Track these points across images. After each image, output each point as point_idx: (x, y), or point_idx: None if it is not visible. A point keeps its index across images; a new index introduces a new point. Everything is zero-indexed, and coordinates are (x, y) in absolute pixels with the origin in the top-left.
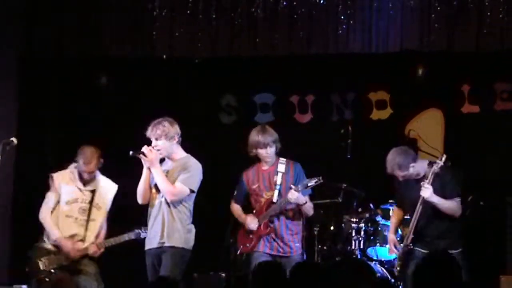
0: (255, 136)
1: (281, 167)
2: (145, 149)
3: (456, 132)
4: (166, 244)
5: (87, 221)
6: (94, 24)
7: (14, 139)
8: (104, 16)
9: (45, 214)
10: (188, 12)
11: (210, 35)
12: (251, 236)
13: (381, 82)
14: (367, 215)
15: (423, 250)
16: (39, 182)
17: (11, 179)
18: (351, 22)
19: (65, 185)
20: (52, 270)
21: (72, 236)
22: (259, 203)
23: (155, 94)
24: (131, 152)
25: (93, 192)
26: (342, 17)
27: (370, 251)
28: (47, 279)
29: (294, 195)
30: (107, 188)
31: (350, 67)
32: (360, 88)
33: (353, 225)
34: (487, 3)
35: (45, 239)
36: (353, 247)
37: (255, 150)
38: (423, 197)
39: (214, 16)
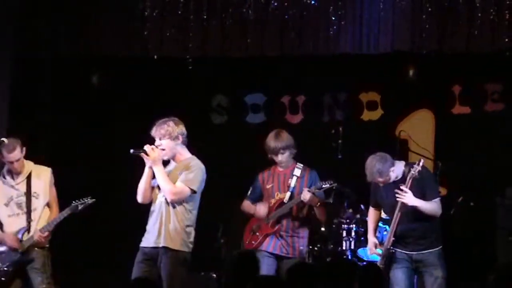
0: (268, 141)
1: (297, 171)
2: (147, 147)
3: (447, 133)
4: (161, 245)
5: (28, 212)
6: (86, 25)
7: (5, 139)
8: (96, 17)
9: None
10: (179, 12)
11: (201, 35)
12: (257, 234)
13: (372, 83)
14: (358, 216)
15: (405, 252)
16: None
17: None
18: (342, 23)
19: (0, 189)
20: (5, 268)
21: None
22: (269, 203)
23: (146, 94)
24: (131, 150)
25: (28, 181)
26: (333, 18)
27: (360, 252)
28: (3, 279)
29: (307, 196)
30: (40, 173)
31: (341, 68)
32: (351, 89)
33: (344, 226)
34: (478, 4)
35: None
36: (343, 247)
37: (269, 155)
38: (403, 202)
39: (205, 16)
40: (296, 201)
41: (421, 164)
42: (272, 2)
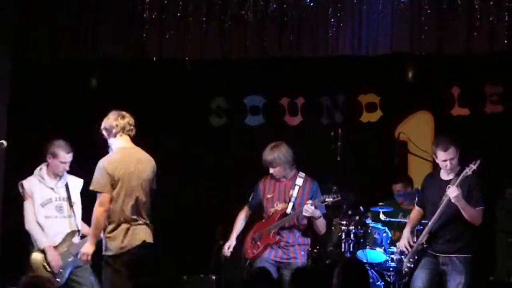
0: (263, 153)
1: (299, 181)
2: None
3: (446, 135)
4: None
5: (70, 217)
6: (85, 26)
7: (4, 142)
8: (95, 19)
9: (31, 224)
10: (178, 14)
11: (200, 37)
12: (258, 243)
13: (371, 84)
14: (357, 217)
15: (434, 252)
16: None
17: (1, 182)
18: (341, 24)
19: (36, 189)
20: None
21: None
22: (270, 213)
23: (145, 96)
24: None
25: (66, 187)
26: (332, 20)
27: (360, 253)
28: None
29: (310, 209)
30: (75, 183)
31: (340, 70)
32: (350, 91)
33: (343, 227)
34: (477, 6)
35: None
36: (343, 249)
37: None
38: (449, 198)
39: (204, 18)
40: (298, 213)
41: (477, 164)
42: (271, 4)
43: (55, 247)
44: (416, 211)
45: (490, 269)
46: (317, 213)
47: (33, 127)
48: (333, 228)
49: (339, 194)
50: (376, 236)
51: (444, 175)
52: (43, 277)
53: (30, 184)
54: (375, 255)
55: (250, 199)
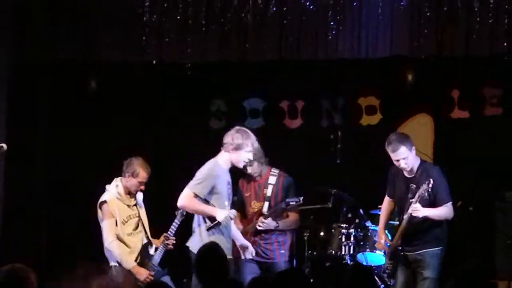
0: None
1: (272, 179)
2: None
3: (446, 138)
4: None
5: (139, 232)
6: (85, 29)
7: (4, 145)
8: (95, 21)
9: (112, 244)
10: (178, 17)
11: (200, 40)
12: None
13: (371, 87)
14: (357, 220)
15: (406, 253)
16: (30, 188)
17: (1, 185)
18: (341, 27)
19: (116, 207)
20: None
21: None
22: (250, 212)
23: (145, 99)
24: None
25: (136, 206)
26: (332, 23)
27: (360, 256)
28: None
29: (263, 225)
30: (141, 200)
31: (340, 73)
32: (350, 94)
33: (343, 230)
34: (476, 9)
35: (113, 269)
36: (343, 252)
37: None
38: (411, 214)
39: (204, 21)
40: (253, 228)
41: (430, 185)
42: (271, 7)
43: (139, 264)
44: (386, 203)
45: (490, 272)
46: (273, 224)
47: (32, 130)
48: (333, 231)
49: (301, 198)
50: (376, 239)
51: (405, 172)
52: (24, 267)
53: (112, 203)
54: (375, 258)
55: (235, 199)
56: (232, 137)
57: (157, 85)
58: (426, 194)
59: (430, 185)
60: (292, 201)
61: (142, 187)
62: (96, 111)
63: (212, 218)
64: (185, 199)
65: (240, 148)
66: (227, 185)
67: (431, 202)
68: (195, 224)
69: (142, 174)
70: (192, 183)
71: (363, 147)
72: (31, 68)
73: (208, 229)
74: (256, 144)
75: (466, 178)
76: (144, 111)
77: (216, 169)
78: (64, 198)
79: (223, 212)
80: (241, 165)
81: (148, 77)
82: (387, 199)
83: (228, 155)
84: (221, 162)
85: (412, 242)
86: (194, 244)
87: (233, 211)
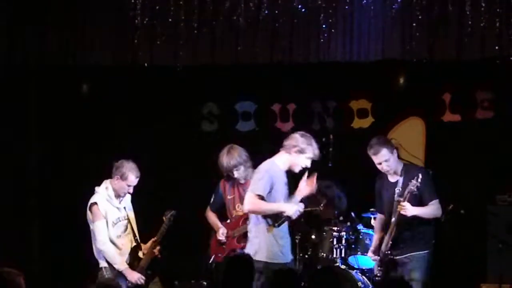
0: (220, 160)
1: None
2: None
3: (437, 141)
4: None
5: (128, 234)
6: (76, 33)
7: None
8: (86, 25)
9: (106, 245)
10: (170, 20)
11: (192, 43)
12: (224, 247)
13: (363, 90)
14: (349, 223)
15: (397, 257)
16: (20, 190)
17: None
18: (333, 30)
19: (107, 208)
20: None
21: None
22: (234, 215)
23: (137, 102)
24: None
25: (125, 208)
26: (324, 26)
27: (351, 259)
28: None
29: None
30: (129, 201)
31: (332, 76)
32: (342, 97)
33: (335, 233)
34: (468, 12)
35: (104, 270)
36: (334, 255)
37: (225, 173)
38: (399, 213)
39: (195, 24)
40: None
41: (419, 180)
42: (263, 10)
43: (130, 266)
44: (377, 220)
45: (482, 276)
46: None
47: (19, 134)
48: (324, 234)
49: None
50: (367, 242)
51: (390, 177)
52: (12, 271)
53: (102, 205)
54: (366, 261)
55: (211, 201)
56: (297, 140)
57: (148, 88)
58: (415, 189)
59: (419, 180)
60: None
61: (130, 190)
62: (87, 113)
63: (273, 217)
64: (250, 203)
65: (302, 152)
66: (284, 186)
67: (418, 201)
68: (253, 230)
69: (131, 177)
70: (251, 185)
71: (354, 150)
72: (22, 72)
73: (279, 225)
74: (317, 152)
75: (457, 181)
76: (135, 114)
77: (273, 168)
78: (54, 199)
79: (292, 206)
80: (297, 169)
81: (139, 80)
82: (378, 217)
83: (287, 157)
84: (279, 162)
85: (399, 245)
86: (256, 248)
87: (302, 205)
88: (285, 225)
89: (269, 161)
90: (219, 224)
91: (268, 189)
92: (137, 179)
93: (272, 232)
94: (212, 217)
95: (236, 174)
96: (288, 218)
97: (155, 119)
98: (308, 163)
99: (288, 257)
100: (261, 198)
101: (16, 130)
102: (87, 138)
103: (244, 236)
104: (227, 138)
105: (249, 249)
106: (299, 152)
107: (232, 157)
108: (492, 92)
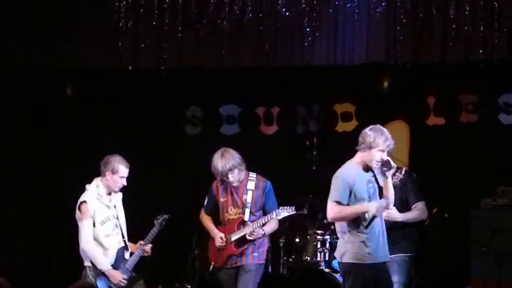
0: (215, 164)
1: (251, 185)
2: None
3: (422, 144)
4: None
5: (122, 234)
6: (61, 36)
7: None
8: (71, 28)
9: (89, 244)
10: (154, 23)
11: (176, 46)
12: (221, 252)
13: (347, 94)
14: (332, 227)
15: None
16: (5, 195)
17: None
18: (317, 34)
19: (96, 206)
20: None
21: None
22: (227, 218)
23: (121, 105)
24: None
25: (115, 207)
26: (308, 29)
27: (335, 262)
28: None
29: (253, 235)
30: (118, 198)
31: (316, 79)
32: (326, 100)
33: (318, 237)
34: (452, 16)
35: (87, 269)
36: (318, 259)
37: (219, 177)
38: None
39: (180, 28)
40: (256, 225)
41: (403, 172)
42: (247, 13)
43: (113, 267)
44: None
45: (466, 279)
46: (261, 233)
47: (5, 136)
48: (308, 237)
49: (295, 208)
50: None
51: None
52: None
53: (91, 203)
54: None
55: (205, 203)
56: (363, 136)
57: (132, 91)
58: (398, 181)
59: (403, 172)
60: (284, 211)
61: (125, 183)
62: (72, 117)
63: (356, 220)
64: (331, 211)
65: (371, 147)
66: (366, 185)
67: (405, 204)
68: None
69: (122, 168)
70: (330, 193)
71: (339, 154)
72: (6, 75)
73: (367, 226)
74: (390, 142)
75: (442, 184)
76: (119, 117)
77: (346, 171)
78: (42, 205)
79: (373, 204)
80: (374, 164)
81: (124, 83)
82: None
83: (360, 154)
84: (355, 162)
85: (391, 248)
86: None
87: (384, 200)
88: (375, 225)
89: (345, 164)
90: (215, 230)
91: (347, 192)
92: (128, 169)
93: (361, 234)
94: (207, 222)
95: (230, 177)
96: (375, 217)
97: (139, 122)
98: (383, 156)
99: (378, 257)
100: (341, 204)
101: (2, 132)
102: (72, 140)
103: (241, 241)
104: (211, 142)
105: (337, 253)
106: (367, 148)
107: (228, 161)
108: (477, 95)
